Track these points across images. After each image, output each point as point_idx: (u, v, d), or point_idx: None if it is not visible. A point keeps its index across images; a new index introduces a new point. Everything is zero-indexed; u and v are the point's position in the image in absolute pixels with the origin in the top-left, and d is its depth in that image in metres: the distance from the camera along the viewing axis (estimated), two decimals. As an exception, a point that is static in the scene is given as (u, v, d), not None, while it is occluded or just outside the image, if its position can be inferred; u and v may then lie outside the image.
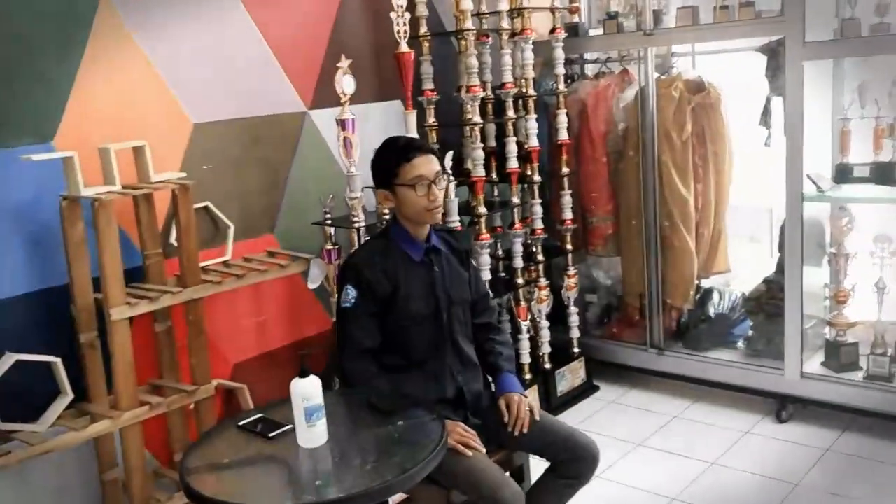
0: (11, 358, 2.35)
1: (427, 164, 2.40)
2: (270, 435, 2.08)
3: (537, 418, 2.48)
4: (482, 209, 3.43)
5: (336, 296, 2.55)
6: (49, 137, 2.53)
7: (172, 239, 2.77)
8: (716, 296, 3.97)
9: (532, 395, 3.66)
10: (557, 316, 3.98)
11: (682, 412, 3.74)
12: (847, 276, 3.52)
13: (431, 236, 2.50)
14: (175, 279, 2.72)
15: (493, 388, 2.57)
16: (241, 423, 2.16)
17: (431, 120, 3.48)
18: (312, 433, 2.00)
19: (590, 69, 4.22)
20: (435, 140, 3.51)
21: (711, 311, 3.91)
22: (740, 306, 3.90)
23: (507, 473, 2.57)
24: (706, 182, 3.84)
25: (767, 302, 3.74)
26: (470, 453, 2.28)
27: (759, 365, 3.63)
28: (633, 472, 3.27)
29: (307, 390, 1.99)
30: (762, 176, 3.89)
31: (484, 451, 2.33)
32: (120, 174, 2.55)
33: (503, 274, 3.88)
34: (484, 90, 3.65)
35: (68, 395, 2.45)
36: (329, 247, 3.07)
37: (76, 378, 2.55)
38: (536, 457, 2.54)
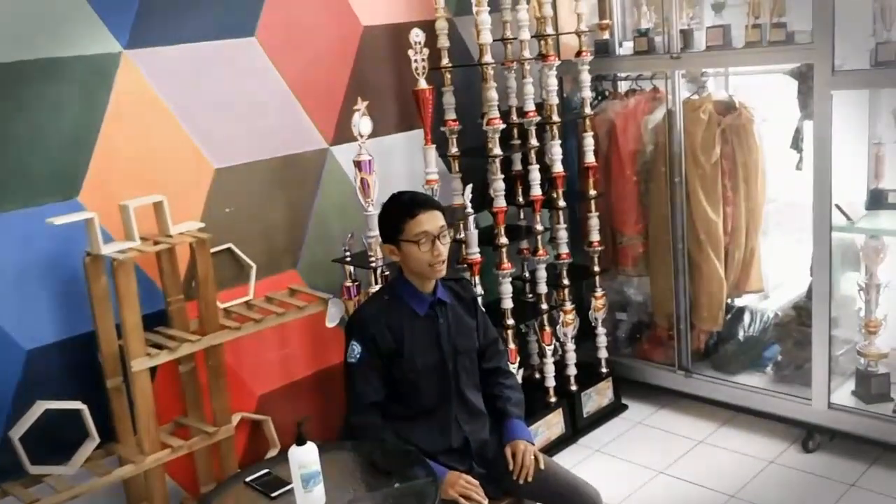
0: (41, 406, 2.51)
1: (431, 221, 2.44)
2: (273, 495, 2.19)
3: (542, 466, 2.53)
4: (503, 239, 3.46)
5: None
6: (74, 195, 2.66)
7: (192, 283, 2.89)
8: (747, 317, 3.92)
9: (553, 428, 3.71)
10: (586, 335, 4.01)
11: (708, 436, 3.73)
12: (879, 305, 3.44)
13: (437, 288, 2.55)
14: (197, 321, 2.84)
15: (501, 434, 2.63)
16: (248, 480, 2.27)
17: (454, 150, 3.51)
18: (309, 498, 2.10)
19: (623, 84, 4.17)
20: (457, 169, 3.55)
21: (741, 333, 3.87)
22: (770, 329, 3.85)
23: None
24: (737, 204, 3.77)
25: (797, 328, 3.69)
26: (471, 506, 2.35)
27: (787, 393, 3.58)
28: (653, 501, 3.29)
29: (303, 458, 2.08)
30: (798, 196, 3.82)
31: (486, 502, 2.39)
32: (143, 225, 2.67)
33: (530, 296, 3.90)
34: (509, 116, 3.67)
35: (95, 440, 2.60)
36: (349, 283, 3.14)
37: (105, 419, 2.71)
38: (540, 504, 2.60)
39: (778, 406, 3.59)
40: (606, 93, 4.13)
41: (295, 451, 2.08)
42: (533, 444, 2.58)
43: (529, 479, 2.49)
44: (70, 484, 2.49)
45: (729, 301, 3.99)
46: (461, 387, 2.57)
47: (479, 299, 3.39)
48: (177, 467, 2.93)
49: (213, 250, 2.97)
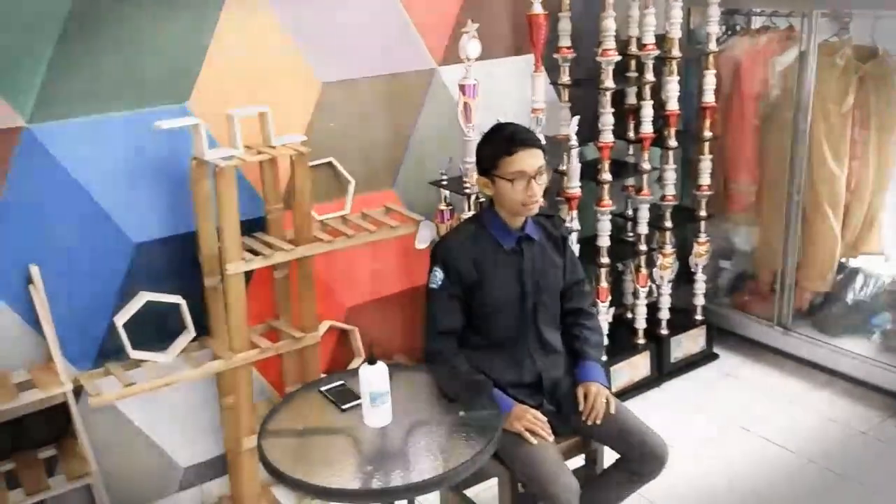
0: (144, 297, 2.68)
1: (529, 159, 2.39)
2: (344, 407, 2.28)
3: (612, 411, 2.51)
4: (606, 175, 3.38)
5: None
6: (184, 99, 2.75)
7: (294, 192, 2.98)
8: (860, 279, 3.72)
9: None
10: (687, 280, 3.91)
11: (798, 398, 3.61)
12: None
13: (527, 224, 2.52)
14: (293, 231, 2.94)
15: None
16: (322, 389, 2.38)
17: (566, 78, 3.41)
18: (376, 415, 2.18)
19: (758, 21, 3.90)
20: (567, 98, 3.46)
21: (850, 296, 3.67)
22: (882, 296, 3.63)
23: (583, 457, 2.68)
24: (864, 159, 3.52)
25: (912, 297, 3.48)
26: (534, 441, 2.37)
27: (889, 364, 3.40)
28: (724, 457, 3.23)
29: (372, 377, 2.15)
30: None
31: (551, 439, 2.41)
32: (248, 134, 2.75)
33: (631, 235, 3.81)
34: (627, 47, 3.52)
35: (191, 333, 2.77)
36: (443, 207, 3.16)
37: (202, 315, 2.88)
38: (607, 447, 2.61)
39: (879, 376, 3.43)
40: (738, 28, 3.89)
41: (365, 370, 2.15)
42: (607, 388, 2.57)
43: (598, 421, 2.49)
44: (164, 372, 2.67)
45: (843, 261, 3.80)
46: (539, 323, 2.57)
47: (575, 235, 3.36)
48: (266, 366, 3.10)
49: (313, 163, 3.04)
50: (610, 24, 3.20)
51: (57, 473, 2.68)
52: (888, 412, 3.43)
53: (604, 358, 2.75)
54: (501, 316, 2.52)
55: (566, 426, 2.56)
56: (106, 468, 2.85)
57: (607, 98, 3.29)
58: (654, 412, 3.55)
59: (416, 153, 3.31)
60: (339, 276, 3.25)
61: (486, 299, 2.49)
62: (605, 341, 3.59)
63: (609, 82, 3.26)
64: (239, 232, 2.66)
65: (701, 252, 3.82)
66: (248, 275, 2.99)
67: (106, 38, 2.58)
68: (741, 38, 3.76)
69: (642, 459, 2.48)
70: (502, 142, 2.42)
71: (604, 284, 3.51)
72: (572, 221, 3.33)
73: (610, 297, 3.67)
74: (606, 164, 3.37)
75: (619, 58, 3.25)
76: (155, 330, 2.77)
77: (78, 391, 2.66)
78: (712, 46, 3.56)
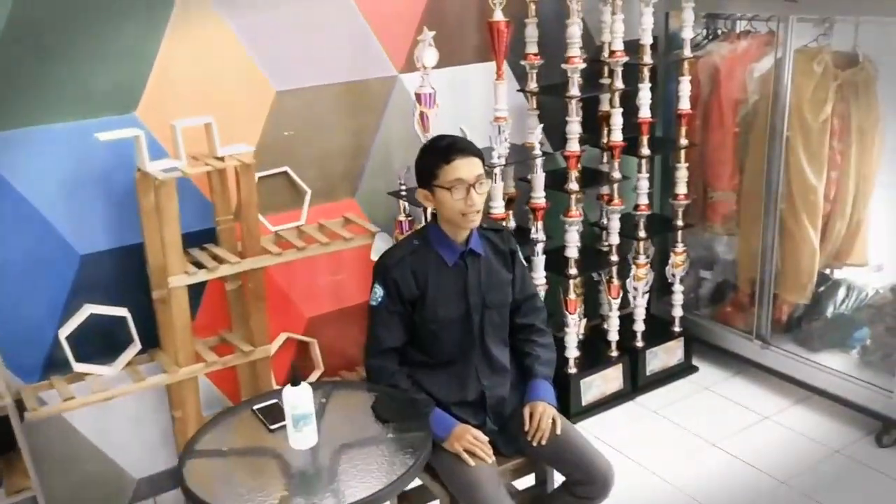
0: (88, 310, 2.66)
1: (467, 168, 2.33)
2: (272, 427, 2.24)
3: (558, 432, 2.44)
4: (573, 185, 3.30)
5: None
6: (132, 109, 2.72)
7: (248, 203, 2.94)
8: (842, 292, 3.60)
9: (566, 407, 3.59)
10: (666, 290, 3.83)
11: (776, 414, 3.50)
12: None
13: (472, 238, 2.46)
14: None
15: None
16: (255, 408, 2.34)
17: (533, 85, 3.34)
18: (300, 437, 2.13)
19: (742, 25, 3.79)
20: (535, 106, 3.39)
21: (831, 309, 3.56)
22: (864, 309, 3.51)
23: (533, 477, 2.61)
24: (845, 169, 3.40)
25: (893, 312, 3.35)
26: (472, 462, 2.31)
27: (868, 381, 3.28)
28: (694, 476, 3.14)
29: (296, 399, 2.10)
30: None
31: (490, 461, 2.35)
32: (197, 145, 2.72)
33: (606, 245, 3.73)
34: (601, 53, 3.44)
35: (137, 346, 2.75)
36: (402, 218, 3.11)
37: (152, 328, 2.85)
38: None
39: (856, 393, 3.31)
40: (719, 33, 3.78)
41: (288, 392, 2.11)
42: (554, 407, 2.51)
43: (543, 442, 2.41)
44: (108, 385, 2.65)
45: (828, 272, 3.68)
46: (486, 340, 2.50)
47: (540, 245, 3.29)
48: (221, 378, 3.07)
49: (268, 173, 3.02)
50: (574, 30, 3.13)
51: (1, 487, 2.67)
52: (864, 431, 3.31)
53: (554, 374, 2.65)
54: (446, 333, 2.46)
55: (511, 446, 2.50)
56: (56, 481, 2.85)
57: (573, 106, 3.21)
58: (625, 426, 3.50)
59: (378, 162, 3.26)
60: (299, 287, 3.21)
61: (428, 316, 2.43)
62: (576, 353, 3.54)
63: (574, 90, 3.18)
64: (180, 245, 2.63)
65: (678, 262, 3.72)
66: (202, 286, 2.97)
67: (49, 46, 2.56)
68: (720, 43, 3.65)
69: (587, 482, 2.40)
70: (440, 151, 2.36)
71: (572, 296, 3.43)
72: (537, 232, 3.27)
73: (581, 309, 3.60)
74: (573, 174, 3.29)
75: (583, 65, 3.17)
76: (105, 342, 2.76)
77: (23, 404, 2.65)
78: (687, 52, 3.47)
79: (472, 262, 2.47)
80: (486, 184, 2.37)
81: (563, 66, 3.16)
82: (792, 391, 3.59)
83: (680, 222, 3.68)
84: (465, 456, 2.33)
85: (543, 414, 2.45)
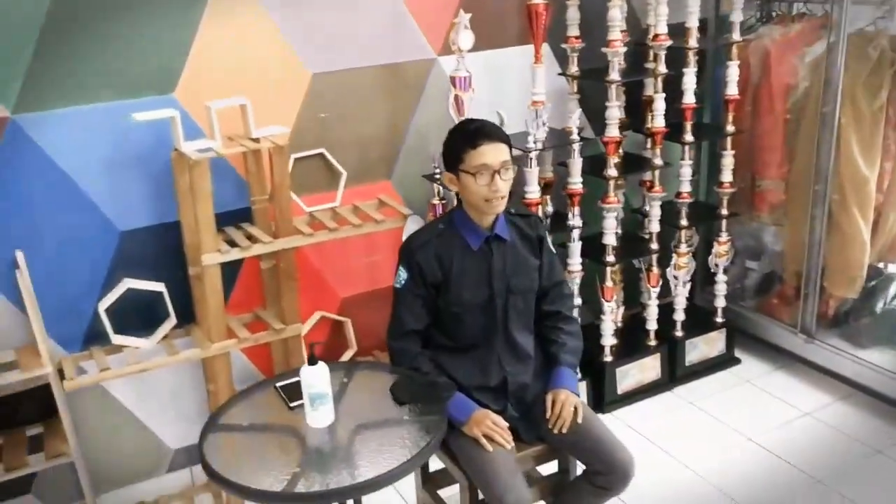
0: (126, 284, 2.75)
1: (493, 153, 2.32)
2: (292, 405, 2.28)
3: (579, 420, 2.43)
4: (611, 171, 3.24)
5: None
6: (170, 90, 2.78)
7: (283, 184, 2.98)
8: (894, 287, 3.47)
9: (583, 394, 3.54)
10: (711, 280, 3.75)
11: (817, 410, 3.41)
12: None
13: (497, 223, 2.44)
14: (277, 223, 2.95)
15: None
16: (278, 385, 2.39)
17: (574, 69, 3.29)
18: (316, 415, 2.17)
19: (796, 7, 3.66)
20: (575, 90, 3.34)
21: (880, 305, 3.43)
22: (916, 306, 3.39)
23: (556, 464, 2.60)
24: (900, 159, 3.28)
25: (944, 310, 3.22)
26: (490, 448, 2.32)
27: (914, 380, 3.18)
28: (727, 470, 3.08)
29: (312, 378, 2.14)
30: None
31: (509, 447, 2.35)
32: (233, 126, 2.77)
33: (647, 233, 3.66)
34: (646, 36, 3.37)
35: (172, 321, 2.83)
36: (435, 201, 3.11)
37: (188, 303, 2.93)
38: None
39: (901, 392, 3.21)
40: (774, 15, 3.65)
41: (305, 371, 2.14)
42: (577, 395, 2.49)
43: (564, 430, 2.41)
44: (144, 358, 2.74)
45: (881, 266, 3.56)
46: (509, 326, 2.49)
47: (577, 232, 3.25)
48: (255, 353, 3.14)
49: (304, 154, 3.05)
50: (616, 13, 3.06)
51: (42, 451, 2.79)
52: (910, 431, 3.21)
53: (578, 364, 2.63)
54: (469, 317, 2.46)
55: (532, 433, 2.50)
56: (95, 448, 2.96)
57: (613, 91, 3.15)
58: (660, 416, 3.46)
59: (414, 145, 3.26)
60: (334, 267, 3.25)
61: (452, 299, 2.44)
62: (613, 341, 3.50)
63: (614, 74, 3.12)
64: (213, 223, 2.69)
65: (721, 252, 3.64)
66: (238, 264, 3.03)
67: (90, 29, 2.62)
68: (773, 26, 3.53)
69: (606, 472, 2.39)
70: (466, 135, 2.35)
71: (609, 284, 3.39)
72: (574, 218, 3.23)
73: (619, 297, 3.56)
74: (612, 160, 3.23)
75: (624, 49, 3.11)
76: (143, 316, 2.84)
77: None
78: (736, 36, 3.36)
79: (498, 247, 2.46)
80: (511, 170, 2.36)
81: (604, 49, 3.11)
82: (836, 387, 3.49)
83: (724, 211, 3.59)
84: (484, 441, 2.33)
85: (566, 402, 2.44)
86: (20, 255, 2.65)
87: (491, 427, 2.36)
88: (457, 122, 2.93)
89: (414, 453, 2.06)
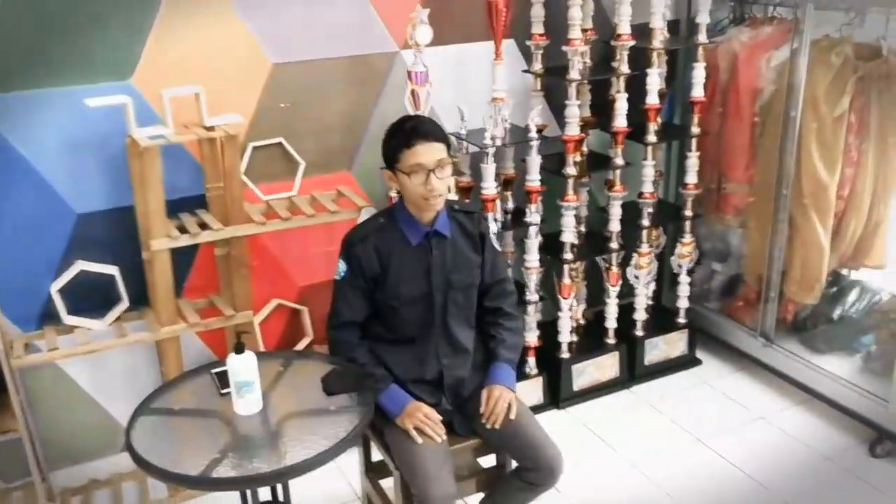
0: (79, 266, 2.80)
1: (428, 153, 2.33)
2: (223, 391, 2.32)
3: (512, 417, 2.46)
4: (570, 170, 3.26)
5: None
6: (127, 76, 2.82)
7: (241, 172, 3.02)
8: (853, 294, 3.47)
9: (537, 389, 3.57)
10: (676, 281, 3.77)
11: (772, 415, 3.42)
12: None
13: (438, 219, 2.46)
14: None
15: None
16: (213, 371, 2.43)
17: (538, 66, 3.30)
18: (243, 403, 2.21)
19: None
20: (539, 87, 3.35)
21: (838, 311, 3.43)
22: (874, 314, 3.38)
23: (494, 457, 2.63)
24: (862, 166, 3.26)
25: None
26: (420, 440, 2.36)
27: (865, 388, 3.17)
28: (674, 472, 3.11)
29: (239, 367, 2.18)
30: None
31: (439, 440, 2.38)
32: (189, 113, 2.81)
33: (609, 232, 3.67)
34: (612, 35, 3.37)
35: (124, 303, 2.88)
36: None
37: (142, 285, 2.98)
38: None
39: (854, 401, 3.20)
40: (746, 17, 3.64)
41: (232, 359, 2.19)
42: (513, 391, 2.52)
43: (497, 425, 2.44)
44: (95, 339, 2.79)
45: (845, 272, 3.55)
46: (448, 321, 2.52)
47: (534, 229, 3.27)
48: (211, 338, 3.20)
49: (263, 143, 3.08)
50: (576, 12, 3.06)
51: (-9, 427, 2.85)
52: (859, 439, 3.20)
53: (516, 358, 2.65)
54: (407, 310, 2.48)
55: (467, 427, 2.53)
56: (49, 426, 3.03)
57: (573, 89, 3.16)
58: (614, 415, 3.48)
59: (375, 137, 3.24)
60: (293, 256, 3.29)
61: (389, 293, 2.47)
62: (570, 338, 3.52)
63: (574, 73, 3.13)
64: (163, 209, 2.73)
65: (684, 253, 3.65)
66: (194, 250, 3.08)
67: (49, 13, 2.65)
68: (742, 28, 3.52)
69: (534, 468, 2.42)
70: (401, 135, 2.37)
71: (566, 281, 3.41)
72: (532, 215, 3.25)
73: (578, 294, 3.58)
74: (571, 158, 3.24)
75: (584, 48, 3.12)
76: (100, 298, 2.89)
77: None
78: (702, 37, 3.36)
79: (437, 242, 2.48)
80: (447, 168, 2.37)
81: (564, 48, 3.11)
82: (792, 393, 3.50)
83: (689, 212, 3.60)
84: (414, 433, 2.37)
85: (500, 398, 2.47)
86: (-27, 236, 2.72)
87: (422, 420, 2.39)
88: (411, 116, 2.97)
89: (333, 443, 2.10)
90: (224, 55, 2.94)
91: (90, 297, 2.87)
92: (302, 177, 3.15)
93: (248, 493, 2.31)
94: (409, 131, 2.37)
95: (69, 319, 2.82)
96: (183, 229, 2.83)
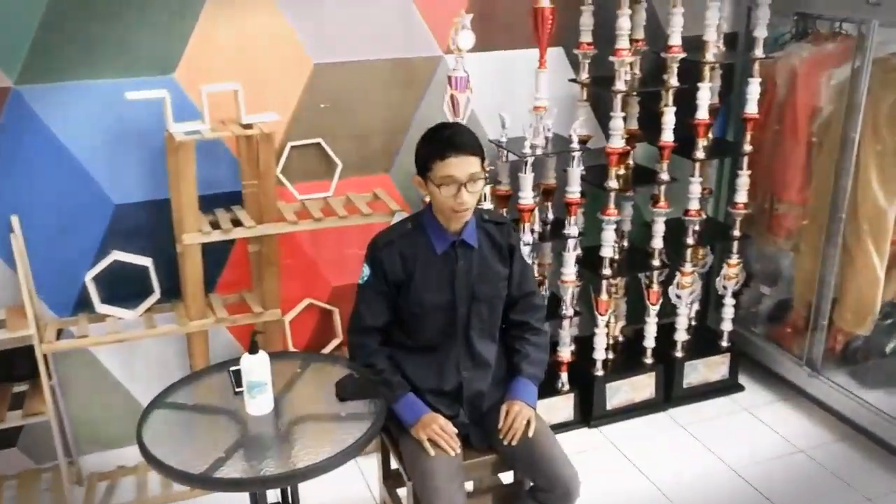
0: (113, 256, 2.84)
1: (461, 166, 2.27)
2: (237, 390, 2.32)
3: (530, 434, 2.40)
4: (612, 183, 3.17)
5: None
6: (170, 71, 2.85)
7: (278, 171, 3.03)
8: (909, 328, 3.30)
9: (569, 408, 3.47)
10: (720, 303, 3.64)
11: (812, 447, 3.26)
12: None
13: (466, 229, 2.41)
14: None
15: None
16: (231, 369, 2.43)
17: (584, 76, 3.23)
18: (254, 403, 2.20)
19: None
20: (585, 97, 3.27)
21: (890, 346, 3.26)
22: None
23: (513, 474, 2.57)
24: (924, 194, 3.09)
25: (955, 357, 3.04)
26: (432, 452, 2.32)
27: (914, 428, 3.01)
28: (700, 500, 2.99)
29: (252, 367, 2.17)
30: None
31: (453, 454, 2.33)
32: (230, 110, 2.82)
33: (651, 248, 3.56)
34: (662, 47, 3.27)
35: (156, 295, 2.91)
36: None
37: (176, 278, 3.01)
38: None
39: (900, 439, 3.04)
40: (808, 32, 3.49)
41: (246, 359, 2.18)
42: (533, 408, 2.46)
43: (514, 442, 2.38)
44: (124, 329, 2.83)
45: (903, 303, 3.38)
46: (470, 333, 2.46)
47: (572, 242, 3.19)
48: (242, 333, 3.21)
49: (302, 143, 3.09)
50: (624, 22, 2.98)
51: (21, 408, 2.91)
52: (905, 481, 3.04)
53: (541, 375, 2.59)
54: (428, 319, 2.44)
55: (484, 441, 2.48)
56: (80, 411, 3.10)
57: (618, 100, 3.08)
58: (646, 437, 3.38)
59: (416, 141, 3.11)
60: (327, 256, 3.28)
61: (412, 300, 2.43)
62: (605, 356, 3.43)
63: (620, 84, 3.05)
64: (196, 204, 2.76)
65: (730, 274, 3.52)
66: (229, 245, 3.10)
67: (96, 6, 2.71)
68: (803, 44, 3.38)
69: (548, 489, 2.35)
70: (437, 144, 2.32)
71: (603, 297, 3.32)
72: (570, 227, 3.17)
73: (616, 311, 3.49)
74: (614, 171, 3.16)
75: (632, 59, 3.03)
76: (135, 288, 2.93)
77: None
78: (758, 52, 3.23)
79: (464, 252, 2.43)
80: (479, 182, 2.32)
81: (611, 58, 3.03)
82: (835, 426, 3.34)
83: (737, 232, 3.47)
84: (427, 444, 2.33)
85: (519, 414, 2.41)
86: (15, 220, 2.77)
87: (437, 431, 2.35)
88: (451, 121, 2.94)
89: (339, 450, 2.07)
90: (267, 53, 2.95)
91: (124, 287, 2.92)
92: (339, 178, 3.15)
93: (258, 493, 2.32)
94: (444, 142, 2.31)
95: (102, 308, 2.87)
96: (216, 225, 2.84)
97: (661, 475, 3.12)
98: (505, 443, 2.40)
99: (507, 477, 2.63)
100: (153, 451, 2.08)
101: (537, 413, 2.47)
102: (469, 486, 2.60)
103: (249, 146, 2.89)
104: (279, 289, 2.98)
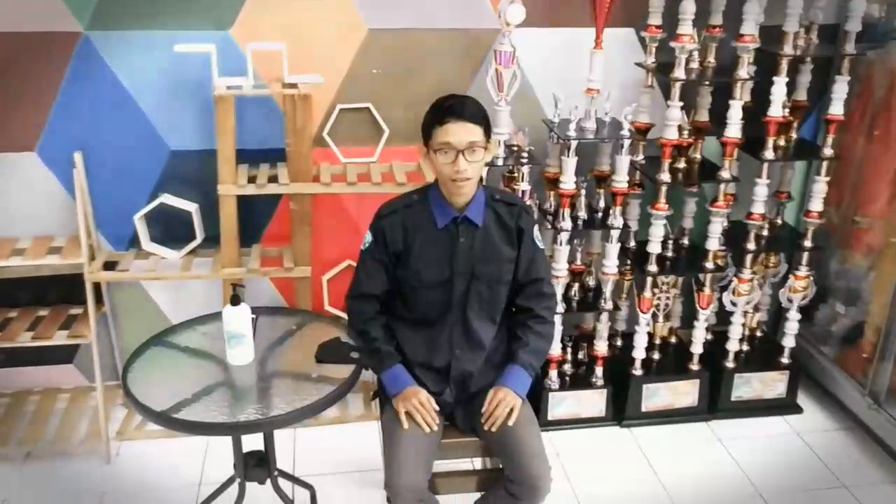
0: (161, 198, 3.02)
1: (459, 132, 2.24)
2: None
3: (510, 423, 2.35)
4: (664, 176, 3.00)
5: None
6: (227, 26, 2.96)
7: (325, 132, 3.09)
8: None
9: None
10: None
11: (859, 486, 2.98)
12: None
13: (471, 205, 2.37)
14: (316, 166, 3.07)
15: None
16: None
17: (650, 60, 3.05)
18: (234, 353, 2.30)
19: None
20: (649, 82, 3.10)
21: (966, 387, 2.91)
22: None
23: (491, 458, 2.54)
24: None
25: None
26: (406, 424, 2.32)
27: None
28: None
29: (231, 318, 2.26)
30: None
31: (428, 430, 2.32)
32: (276, 69, 2.91)
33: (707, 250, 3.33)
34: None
35: (198, 240, 3.06)
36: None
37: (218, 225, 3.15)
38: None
39: (955, 492, 2.72)
40: (922, 29, 3.12)
41: (226, 311, 2.27)
42: (521, 397, 2.39)
43: (493, 428, 2.34)
44: (163, 268, 3.01)
45: None
46: (467, 311, 2.42)
47: (616, 232, 3.06)
48: (283, 286, 3.33)
49: (351, 107, 3.12)
50: (688, 6, 2.79)
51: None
52: (952, 538, 2.73)
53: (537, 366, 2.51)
54: (425, 293, 2.42)
55: (468, 423, 2.45)
56: (128, 337, 3.31)
57: (676, 89, 2.89)
58: (678, 446, 3.23)
59: None
60: (369, 219, 3.30)
61: (410, 272, 2.42)
62: (646, 355, 3.28)
63: (679, 72, 2.86)
64: (234, 157, 2.87)
65: (797, 287, 3.25)
66: (276, 200, 3.20)
67: (162, -40, 2.85)
68: (905, 42, 3.03)
69: (517, 481, 2.30)
70: (437, 110, 2.29)
71: (647, 294, 3.17)
72: (615, 218, 3.03)
73: (663, 310, 3.31)
74: (667, 164, 2.98)
75: (694, 46, 2.83)
76: (184, 232, 3.10)
77: (110, 266, 3.11)
78: (849, 48, 2.93)
79: (466, 229, 2.38)
80: (479, 152, 2.27)
81: (672, 43, 2.85)
82: (890, 467, 3.03)
83: (808, 243, 3.19)
84: (403, 417, 2.33)
85: (503, 401, 2.36)
86: (78, 157, 2.99)
87: (415, 406, 2.34)
88: (494, 97, 2.88)
89: (291, 410, 2.12)
90: (322, 16, 2.99)
91: (174, 230, 3.10)
92: (385, 145, 3.16)
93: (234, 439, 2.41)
94: (444, 109, 2.28)
95: (148, 246, 3.06)
96: (253, 179, 2.94)
97: (683, 491, 2.96)
98: (485, 428, 2.36)
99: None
100: (131, 385, 2.21)
101: (528, 403, 2.42)
102: (451, 465, 2.58)
103: (293, 106, 2.96)
104: (310, 247, 3.05)
